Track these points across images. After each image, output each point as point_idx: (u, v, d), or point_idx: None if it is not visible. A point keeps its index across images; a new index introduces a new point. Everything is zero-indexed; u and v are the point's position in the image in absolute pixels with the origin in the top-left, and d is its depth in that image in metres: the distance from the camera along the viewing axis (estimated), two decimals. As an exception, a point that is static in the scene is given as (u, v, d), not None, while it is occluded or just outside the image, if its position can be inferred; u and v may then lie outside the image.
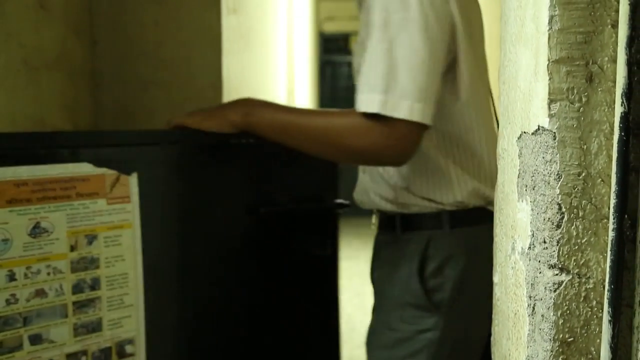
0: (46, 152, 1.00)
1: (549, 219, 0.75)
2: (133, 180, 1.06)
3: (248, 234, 1.23)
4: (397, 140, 1.12)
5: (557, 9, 0.72)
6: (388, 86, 1.11)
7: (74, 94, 1.75)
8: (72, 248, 1.03)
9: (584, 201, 0.74)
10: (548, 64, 0.74)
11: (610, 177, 0.72)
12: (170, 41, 1.89)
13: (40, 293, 0.99)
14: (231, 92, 2.04)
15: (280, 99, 3.84)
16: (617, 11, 0.71)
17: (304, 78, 6.07)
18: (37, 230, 0.99)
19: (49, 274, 1.00)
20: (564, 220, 0.74)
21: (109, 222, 1.05)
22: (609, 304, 0.71)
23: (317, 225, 1.29)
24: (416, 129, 1.13)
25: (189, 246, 1.15)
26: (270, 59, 3.24)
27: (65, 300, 1.02)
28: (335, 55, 9.41)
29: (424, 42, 1.12)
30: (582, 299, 0.74)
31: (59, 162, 1.00)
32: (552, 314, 0.75)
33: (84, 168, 1.02)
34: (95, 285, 1.05)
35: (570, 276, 0.74)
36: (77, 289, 1.03)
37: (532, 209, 0.78)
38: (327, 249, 1.28)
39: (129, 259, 1.07)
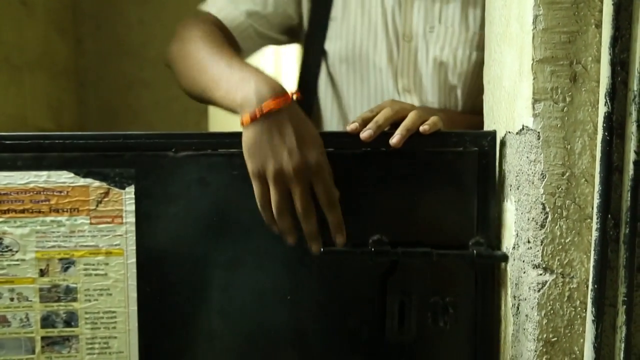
0: (14, 157, 0.84)
1: (533, 218, 0.75)
2: (128, 196, 0.84)
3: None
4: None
5: (541, 8, 0.72)
6: None
7: (58, 93, 1.74)
8: (42, 273, 0.85)
9: (567, 201, 0.74)
10: (532, 64, 0.73)
11: (594, 177, 0.73)
12: (155, 40, 1.87)
13: (2, 320, 0.84)
14: (217, 91, 2.03)
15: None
16: (601, 11, 0.71)
17: (292, 75, 6.05)
18: None
19: (12, 299, 0.84)
20: (547, 220, 0.74)
21: (92, 246, 0.84)
22: (592, 303, 0.71)
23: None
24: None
25: (214, 288, 0.85)
26: (256, 56, 3.23)
27: (32, 334, 0.85)
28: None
29: None
30: (565, 298, 0.74)
31: (32, 168, 0.84)
32: (536, 313, 0.74)
33: (62, 177, 0.84)
34: (71, 321, 0.85)
35: (554, 276, 0.74)
36: (47, 322, 0.85)
37: (517, 209, 0.78)
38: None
39: (118, 295, 0.85)
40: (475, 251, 0.82)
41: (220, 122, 2.11)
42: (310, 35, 1.17)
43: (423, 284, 0.85)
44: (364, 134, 0.81)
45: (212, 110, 1.95)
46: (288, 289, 0.86)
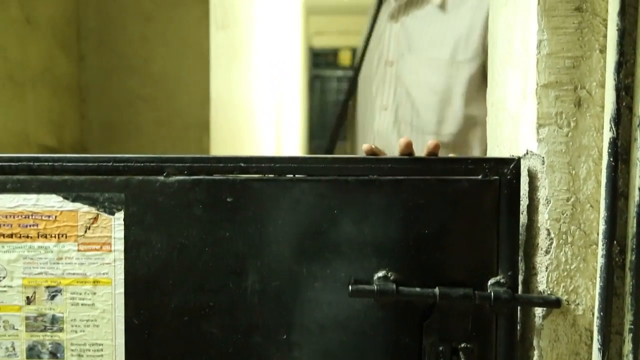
0: (4, 179, 0.81)
1: (537, 244, 0.75)
2: (117, 222, 0.81)
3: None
4: None
5: (545, 33, 0.72)
6: None
7: (60, 109, 1.73)
8: (29, 300, 0.81)
9: (572, 227, 0.73)
10: (537, 88, 0.73)
11: (599, 203, 0.72)
12: (158, 57, 1.88)
13: (-12, 347, 0.81)
14: (219, 107, 2.03)
15: (268, 111, 3.83)
16: (605, 37, 0.71)
17: (293, 92, 6.07)
18: None
19: None
20: (552, 246, 0.73)
21: (80, 274, 0.81)
22: (598, 331, 0.70)
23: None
24: None
25: (205, 320, 0.80)
26: (258, 73, 3.24)
27: (18, 364, 0.81)
28: (324, 69, 9.41)
29: None
30: (571, 326, 0.73)
31: (21, 191, 0.81)
32: (540, 341, 0.73)
33: (51, 201, 0.81)
34: (57, 352, 0.81)
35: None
36: (32, 352, 0.81)
37: (521, 234, 0.77)
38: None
39: (105, 326, 0.81)
40: (516, 296, 0.74)
41: (223, 138, 2.11)
42: None
43: (462, 329, 0.76)
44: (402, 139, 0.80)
45: (214, 126, 1.95)
46: (287, 324, 0.81)
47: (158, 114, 1.89)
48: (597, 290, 0.70)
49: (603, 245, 0.70)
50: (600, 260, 0.70)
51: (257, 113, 3.18)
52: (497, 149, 0.89)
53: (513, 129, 0.82)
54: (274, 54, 4.15)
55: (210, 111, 1.91)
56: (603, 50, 0.72)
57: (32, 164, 0.83)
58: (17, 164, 0.82)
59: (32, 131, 1.57)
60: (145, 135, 1.89)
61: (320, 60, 9.51)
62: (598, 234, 0.72)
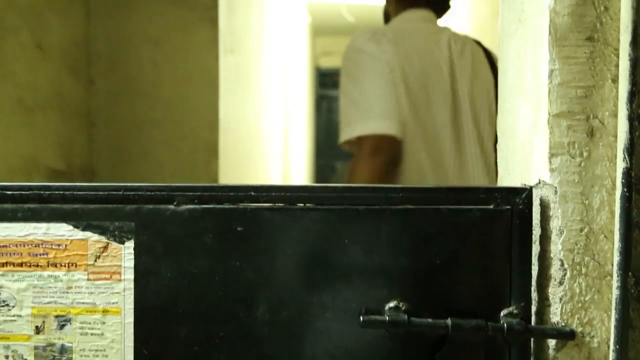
0: (15, 207, 0.81)
1: (551, 275, 0.74)
2: (127, 251, 0.80)
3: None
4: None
5: (557, 63, 0.72)
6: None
7: (69, 133, 1.74)
8: (38, 330, 0.80)
9: (586, 257, 0.72)
10: (548, 118, 0.73)
11: (613, 234, 0.71)
12: (167, 81, 1.89)
13: (-3, 379, 0.80)
14: (227, 131, 2.04)
15: (276, 134, 3.84)
16: (617, 66, 0.71)
17: (300, 112, 6.09)
18: None
19: (7, 357, 0.80)
20: (566, 277, 0.73)
21: (89, 303, 0.81)
22: (613, 364, 0.69)
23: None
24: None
25: (216, 351, 0.79)
26: (266, 95, 3.25)
27: (27, 396, 0.80)
28: (331, 89, 9.46)
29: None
30: (585, 358, 0.72)
31: (32, 220, 0.81)
32: (555, 374, 0.72)
33: (61, 230, 0.81)
34: None
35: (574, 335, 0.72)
36: None
37: (534, 264, 0.76)
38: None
39: (114, 356, 0.80)
40: (531, 328, 0.73)
41: (231, 161, 2.11)
42: None
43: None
44: None
45: (223, 149, 1.96)
46: (297, 354, 0.80)
47: (166, 137, 1.89)
48: (613, 322, 0.69)
49: (618, 276, 0.69)
50: (615, 292, 0.69)
51: (265, 135, 3.18)
52: (507, 177, 0.89)
53: (524, 157, 0.81)
54: (282, 75, 4.17)
55: (218, 134, 1.91)
56: (615, 80, 0.71)
57: (42, 192, 0.82)
58: (28, 192, 0.82)
59: (41, 155, 1.57)
60: (154, 158, 1.89)
61: (326, 81, 9.57)
62: (612, 265, 0.71)
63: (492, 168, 1.66)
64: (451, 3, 1.83)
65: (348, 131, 1.54)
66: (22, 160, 1.47)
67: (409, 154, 1.59)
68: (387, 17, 1.83)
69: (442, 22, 1.87)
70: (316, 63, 9.51)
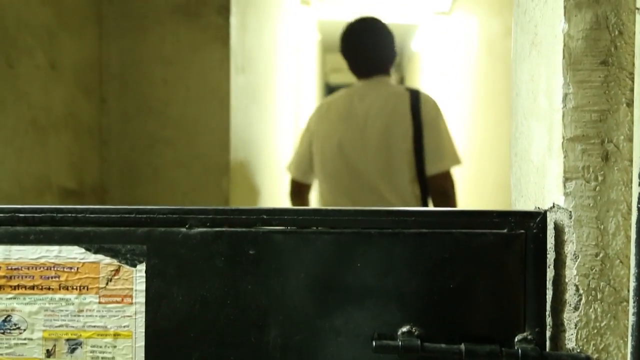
0: (28, 230, 0.81)
1: (566, 300, 0.73)
2: (139, 274, 0.80)
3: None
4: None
5: (571, 87, 0.72)
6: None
7: (81, 151, 1.75)
8: (49, 353, 0.80)
9: (602, 283, 0.71)
10: (563, 142, 0.72)
11: (629, 259, 0.70)
12: (178, 99, 1.90)
13: (7, 403, 0.79)
14: (238, 149, 2.04)
15: (286, 150, 3.85)
16: (632, 90, 0.71)
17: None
18: (6, 325, 0.80)
19: None
20: (582, 303, 0.72)
21: (100, 326, 0.80)
22: (631, 392, 0.68)
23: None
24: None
25: None
26: (277, 112, 3.26)
27: (37, 420, 0.80)
28: (341, 105, 9.47)
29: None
30: (602, 386, 0.71)
31: (44, 243, 0.80)
32: (571, 401, 0.71)
33: (73, 253, 0.81)
34: None
35: (590, 361, 0.71)
36: None
37: (549, 289, 0.76)
38: None
39: None
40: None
41: (242, 180, 2.11)
42: None
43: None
44: None
45: (234, 168, 1.96)
46: None
47: (178, 156, 1.90)
48: (629, 349, 0.68)
49: (634, 302, 0.68)
50: (632, 318, 0.68)
51: (276, 152, 3.19)
52: (521, 200, 0.88)
53: (538, 180, 0.81)
54: (293, 92, 4.18)
55: (229, 153, 1.92)
56: (630, 104, 0.71)
57: (55, 215, 0.83)
58: (40, 215, 0.82)
59: (53, 174, 1.58)
60: (165, 177, 1.90)
61: (336, 97, 9.58)
62: (629, 291, 0.70)
63: (400, 182, 2.21)
64: (393, 56, 2.34)
65: (288, 165, 2.46)
66: (34, 179, 1.47)
67: (322, 184, 2.31)
68: None
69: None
70: (326, 79, 9.54)
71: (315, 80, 7.26)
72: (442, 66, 5.25)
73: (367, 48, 2.30)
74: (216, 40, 1.89)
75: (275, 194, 3.19)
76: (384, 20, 2.31)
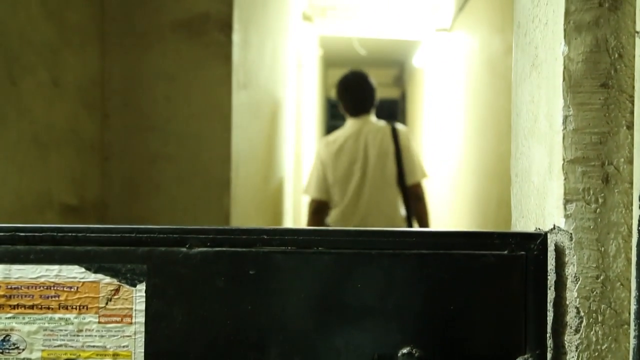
0: (28, 249, 0.80)
1: (567, 322, 0.73)
2: (139, 294, 0.79)
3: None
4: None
5: (571, 109, 0.72)
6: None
7: (82, 167, 1.75)
8: None
9: (603, 305, 0.71)
10: (563, 164, 0.72)
11: (630, 281, 0.70)
12: (180, 116, 1.90)
13: None
14: (239, 165, 2.04)
15: (287, 165, 3.85)
16: (632, 113, 0.71)
17: (311, 143, 6.11)
18: (5, 345, 0.79)
19: None
20: (582, 325, 0.72)
21: (99, 346, 0.79)
22: (632, 416, 0.67)
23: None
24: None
25: None
26: (278, 128, 3.27)
27: None
28: (342, 120, 9.51)
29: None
30: (604, 409, 0.70)
31: (44, 262, 0.80)
32: None
33: (73, 272, 0.80)
34: None
35: (591, 385, 0.71)
36: None
37: (549, 311, 0.75)
38: None
39: None
40: None
41: (242, 196, 2.12)
42: None
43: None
44: None
45: (235, 184, 1.96)
46: None
47: (179, 172, 1.90)
48: (631, 372, 0.68)
49: (635, 325, 0.68)
50: (633, 342, 0.68)
51: (277, 168, 3.19)
52: (522, 220, 0.88)
53: (538, 201, 0.81)
54: (293, 107, 4.19)
55: (230, 169, 1.92)
56: (630, 127, 0.71)
57: (55, 234, 0.82)
58: (40, 234, 0.82)
59: (55, 191, 1.58)
60: (166, 193, 1.90)
61: (337, 112, 9.62)
62: (630, 314, 0.70)
63: (395, 202, 3.30)
64: (375, 100, 3.39)
65: (306, 191, 3.37)
66: (35, 196, 1.47)
67: (335, 201, 3.27)
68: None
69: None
70: (327, 94, 9.57)
71: (317, 94, 7.28)
72: (443, 82, 5.27)
73: (356, 95, 3.35)
74: (218, 57, 1.90)
75: (277, 210, 3.19)
76: (368, 75, 3.42)
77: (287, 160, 3.83)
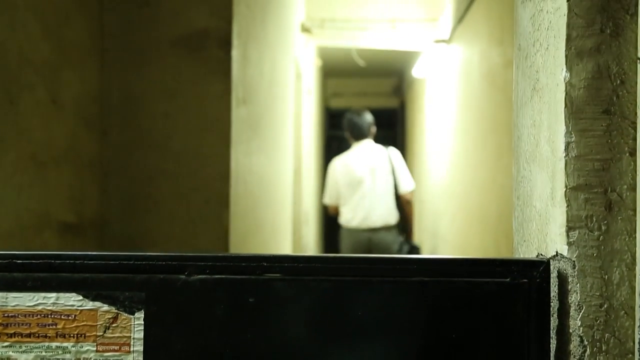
0: (25, 277, 0.79)
1: (570, 351, 0.72)
2: (137, 322, 0.78)
3: None
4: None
5: (573, 136, 0.71)
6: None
7: (81, 185, 1.75)
8: None
9: (607, 334, 0.70)
10: (566, 191, 0.72)
11: (634, 310, 0.69)
12: (179, 132, 1.90)
13: None
14: (239, 181, 2.04)
15: (287, 177, 3.84)
16: (635, 139, 0.70)
17: (310, 153, 6.11)
18: None
19: None
20: (586, 354, 0.71)
21: None
22: None
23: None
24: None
25: None
26: (278, 141, 3.26)
27: None
28: (341, 130, 9.50)
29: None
30: None
31: (41, 289, 0.79)
32: None
33: (71, 300, 0.79)
34: None
35: (596, 415, 0.70)
36: None
37: (552, 338, 0.74)
38: None
39: None
40: None
41: (242, 212, 2.11)
42: None
43: None
44: None
45: (234, 200, 1.95)
46: None
47: (178, 188, 1.89)
48: (636, 403, 0.67)
49: (639, 354, 0.67)
50: (638, 372, 0.67)
51: (276, 182, 3.18)
52: (523, 244, 0.87)
53: (540, 227, 0.80)
54: (293, 119, 4.19)
55: (230, 186, 1.91)
56: (633, 153, 0.70)
57: (52, 261, 0.81)
58: (37, 261, 0.81)
59: (53, 209, 1.57)
60: (165, 210, 1.89)
61: (337, 121, 9.61)
62: (634, 343, 0.69)
63: (389, 204, 4.69)
64: (373, 130, 4.79)
65: (324, 199, 4.93)
66: (33, 215, 1.47)
67: (343, 206, 4.68)
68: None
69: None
70: (326, 103, 9.58)
71: (317, 104, 7.29)
72: (442, 92, 5.28)
73: (359, 126, 4.73)
74: (217, 73, 1.90)
75: (276, 225, 3.18)
76: (366, 111, 4.85)
77: (287, 174, 3.83)
